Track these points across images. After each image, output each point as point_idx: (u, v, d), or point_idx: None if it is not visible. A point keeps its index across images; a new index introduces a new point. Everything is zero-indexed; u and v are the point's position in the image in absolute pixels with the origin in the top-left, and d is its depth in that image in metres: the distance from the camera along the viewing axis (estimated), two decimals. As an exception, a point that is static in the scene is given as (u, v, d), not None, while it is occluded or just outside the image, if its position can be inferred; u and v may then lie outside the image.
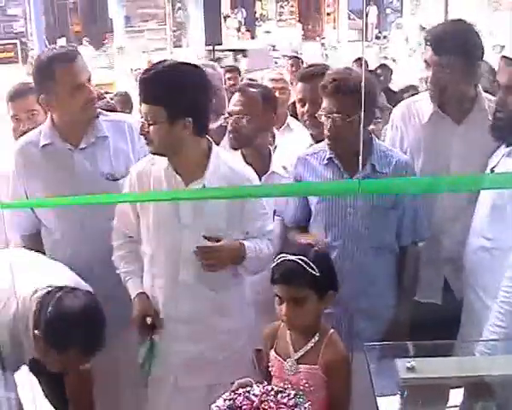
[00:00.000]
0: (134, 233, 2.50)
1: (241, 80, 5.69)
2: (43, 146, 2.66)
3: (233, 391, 1.81)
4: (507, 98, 2.29)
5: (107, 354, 2.71)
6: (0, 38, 21.24)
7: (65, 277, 2.34)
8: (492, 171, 2.36)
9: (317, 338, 2.07)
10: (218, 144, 2.63)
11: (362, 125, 2.16)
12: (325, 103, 2.47)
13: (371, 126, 2.73)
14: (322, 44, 22.98)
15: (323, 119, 2.46)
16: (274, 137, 3.04)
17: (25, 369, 2.83)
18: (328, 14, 26.80)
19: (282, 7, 26.57)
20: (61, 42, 16.16)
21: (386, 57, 20.25)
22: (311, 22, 26.77)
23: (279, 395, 1.77)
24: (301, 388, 1.98)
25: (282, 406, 1.73)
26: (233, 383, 1.88)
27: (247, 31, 23.36)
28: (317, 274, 2.01)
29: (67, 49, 2.63)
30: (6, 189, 2.75)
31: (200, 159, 2.36)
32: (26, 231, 2.78)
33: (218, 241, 2.25)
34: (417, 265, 2.63)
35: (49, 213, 2.70)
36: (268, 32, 24.75)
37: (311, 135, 2.97)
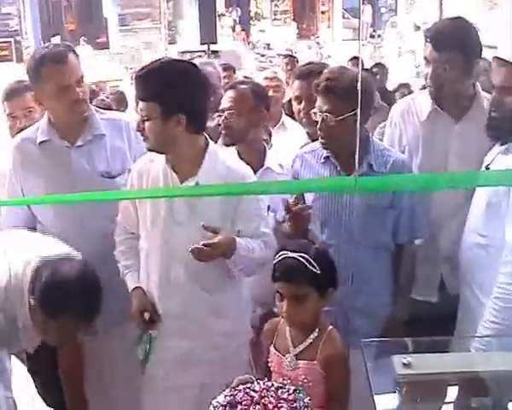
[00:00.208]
0: (134, 229, 2.52)
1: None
2: (41, 143, 2.68)
3: (233, 387, 1.83)
4: (501, 98, 2.30)
5: (103, 349, 2.74)
6: (-6, 36, 21.17)
7: (58, 248, 2.32)
8: (487, 168, 2.38)
9: (316, 334, 2.08)
10: (216, 142, 2.64)
11: (358, 124, 2.17)
12: (318, 102, 2.48)
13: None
14: (317, 43, 22.98)
15: (317, 117, 2.48)
16: (270, 135, 3.05)
17: (21, 369, 2.85)
18: (323, 12, 26.80)
19: (276, 6, 26.56)
20: (56, 40, 16.12)
21: (381, 56, 20.30)
22: (305, 21, 26.76)
23: (279, 391, 1.79)
24: (300, 383, 1.99)
25: (282, 401, 1.75)
26: (230, 383, 1.89)
27: (242, 30, 23.34)
28: (318, 272, 2.02)
29: (59, 50, 2.62)
30: (2, 186, 2.76)
31: (196, 156, 2.37)
32: (20, 228, 2.78)
33: (215, 233, 2.24)
34: (413, 263, 2.64)
35: (45, 210, 2.70)
36: (263, 30, 24.74)
37: (308, 133, 2.99)
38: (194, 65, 2.41)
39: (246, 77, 4.34)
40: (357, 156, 2.32)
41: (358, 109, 2.12)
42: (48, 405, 2.96)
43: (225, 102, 2.80)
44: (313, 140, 2.74)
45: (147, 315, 2.43)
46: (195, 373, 2.45)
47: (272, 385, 1.82)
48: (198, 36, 12.83)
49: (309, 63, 3.28)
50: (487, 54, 2.67)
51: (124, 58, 19.72)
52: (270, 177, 2.76)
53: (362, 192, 2.30)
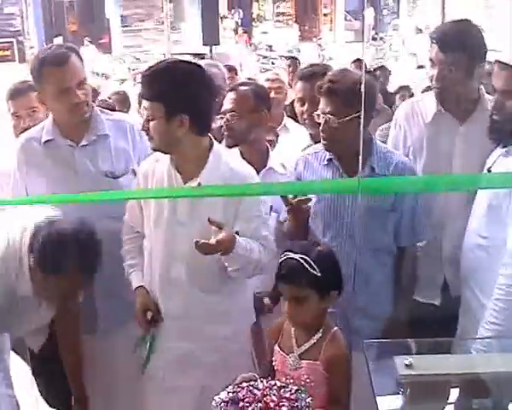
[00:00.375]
0: (140, 228, 2.53)
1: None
2: (45, 142, 2.69)
3: (236, 385, 1.84)
4: (502, 101, 2.31)
5: (105, 349, 2.75)
6: (-3, 36, 21.20)
7: (53, 212, 2.34)
8: (489, 171, 2.38)
9: (319, 335, 2.09)
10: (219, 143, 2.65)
11: (362, 127, 2.18)
12: (321, 103, 2.49)
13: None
14: (319, 45, 23.01)
15: (320, 119, 2.49)
16: (277, 136, 3.06)
17: (25, 370, 2.87)
18: (325, 15, 26.85)
19: (278, 8, 26.60)
20: (58, 41, 16.11)
21: (381, 57, 20.32)
22: (307, 23, 26.81)
23: (281, 390, 1.80)
24: (302, 383, 1.99)
25: (284, 400, 1.76)
26: (229, 385, 1.89)
27: (244, 32, 23.36)
28: (319, 274, 2.02)
29: (60, 52, 2.62)
30: (6, 186, 2.77)
31: (200, 157, 2.38)
32: None
33: (219, 228, 2.22)
34: (415, 266, 2.64)
35: None
36: (265, 32, 24.79)
37: (310, 135, 2.99)
38: (200, 66, 2.41)
39: (249, 78, 4.35)
40: (360, 158, 2.32)
41: (362, 112, 2.13)
42: (50, 405, 2.98)
43: (227, 104, 2.82)
44: (316, 142, 2.74)
45: (149, 314, 2.44)
46: (195, 375, 2.45)
47: (275, 384, 1.82)
48: (200, 37, 12.84)
49: (312, 65, 3.29)
50: (490, 57, 2.68)
51: (126, 59, 19.75)
52: (273, 177, 2.77)
53: (365, 194, 2.30)
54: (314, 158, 2.61)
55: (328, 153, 2.55)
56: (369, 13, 23.84)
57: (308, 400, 1.80)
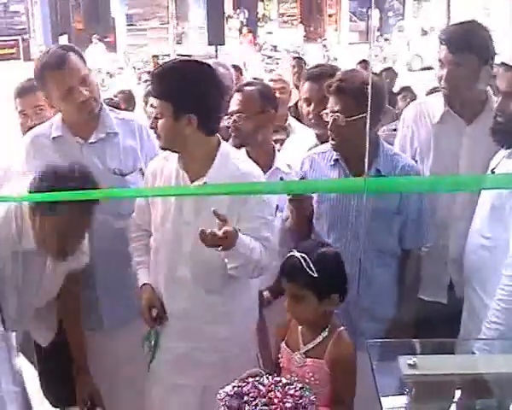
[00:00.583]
0: (147, 226, 2.54)
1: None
2: (54, 138, 2.71)
3: (242, 380, 1.85)
4: (506, 103, 2.31)
5: (109, 348, 2.76)
6: (1, 34, 21.23)
7: None
8: (493, 172, 2.39)
9: (325, 334, 2.09)
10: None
11: (368, 128, 2.18)
12: (330, 102, 2.50)
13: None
14: (324, 46, 23.01)
15: (328, 117, 2.49)
16: (288, 134, 3.05)
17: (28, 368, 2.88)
18: (330, 15, 26.84)
19: (284, 8, 26.60)
20: (63, 39, 16.10)
21: (385, 57, 20.31)
22: (312, 24, 26.82)
23: (286, 387, 1.81)
24: (307, 381, 2.00)
25: (288, 396, 1.77)
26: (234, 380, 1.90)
27: (249, 32, 23.37)
28: (315, 275, 2.02)
29: (57, 54, 2.63)
30: (14, 183, 2.78)
31: (207, 156, 2.38)
32: None
33: (224, 221, 2.19)
34: (420, 268, 2.64)
35: None
36: (270, 32, 24.79)
37: (317, 135, 2.99)
38: (210, 66, 2.42)
39: (255, 78, 4.34)
40: (366, 160, 2.32)
41: (368, 112, 2.13)
42: (52, 404, 3.00)
43: (233, 105, 2.81)
44: (322, 142, 2.75)
45: (154, 311, 2.45)
46: (196, 375, 2.46)
47: (280, 381, 1.84)
48: (205, 37, 12.85)
49: (319, 66, 3.28)
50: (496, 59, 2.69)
51: (131, 58, 19.77)
52: (279, 177, 2.78)
53: (371, 194, 2.30)
54: (321, 158, 2.61)
55: (334, 153, 2.55)
56: (375, 14, 23.82)
57: (312, 397, 1.82)
